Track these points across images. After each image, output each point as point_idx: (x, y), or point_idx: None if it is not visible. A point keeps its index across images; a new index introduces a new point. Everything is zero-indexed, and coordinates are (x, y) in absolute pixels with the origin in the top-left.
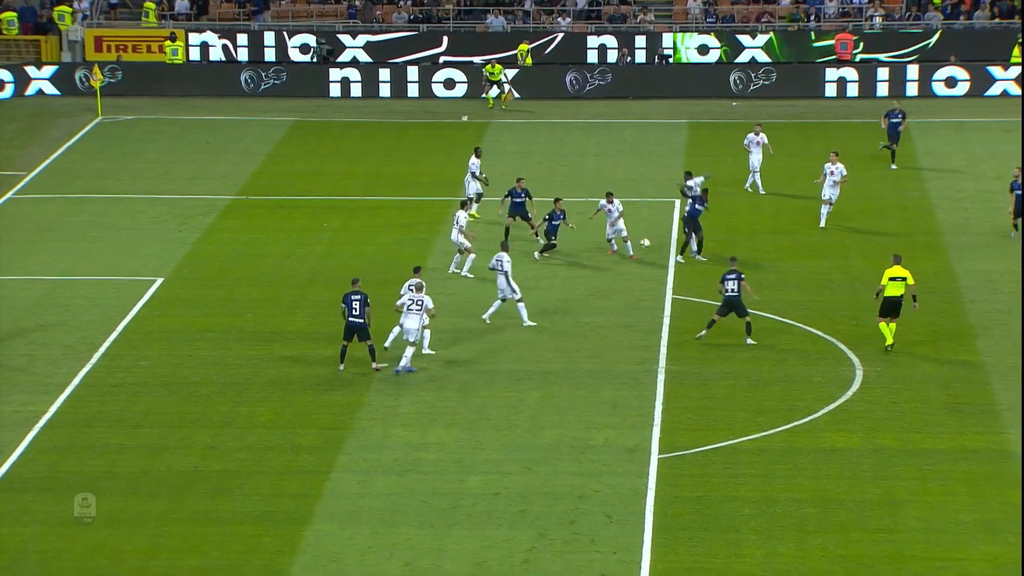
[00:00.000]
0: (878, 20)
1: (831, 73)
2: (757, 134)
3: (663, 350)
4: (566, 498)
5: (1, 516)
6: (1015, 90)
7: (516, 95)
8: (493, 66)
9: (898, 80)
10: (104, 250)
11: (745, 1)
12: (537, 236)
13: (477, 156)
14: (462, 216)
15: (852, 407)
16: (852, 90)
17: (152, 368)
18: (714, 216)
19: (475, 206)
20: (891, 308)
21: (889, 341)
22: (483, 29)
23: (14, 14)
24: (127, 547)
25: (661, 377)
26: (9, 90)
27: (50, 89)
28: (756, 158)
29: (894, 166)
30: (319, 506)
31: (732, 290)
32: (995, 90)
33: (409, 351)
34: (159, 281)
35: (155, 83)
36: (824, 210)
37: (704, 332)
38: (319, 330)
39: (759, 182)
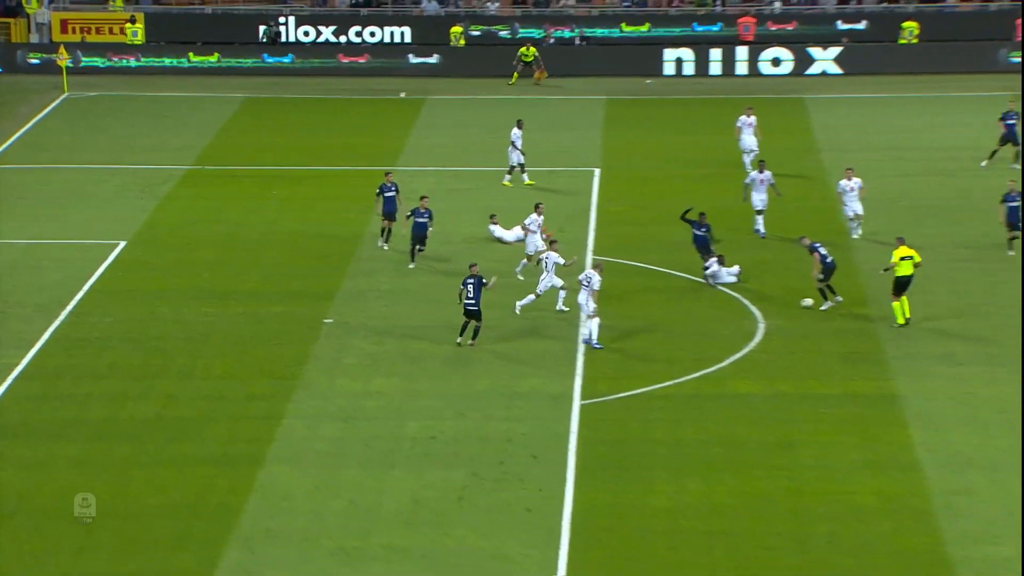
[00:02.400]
0: (778, 4)
1: (740, 52)
2: (748, 116)
3: None
4: (496, 441)
5: None
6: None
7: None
8: (528, 48)
9: (803, 60)
10: (71, 216)
11: None
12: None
13: (519, 128)
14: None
15: (755, 357)
16: (760, 68)
17: (116, 324)
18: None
19: (507, 176)
20: (902, 287)
21: (901, 321)
22: (419, 13)
23: None
24: (94, 488)
25: (583, 331)
26: None
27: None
28: (749, 140)
29: (1016, 165)
30: (270, 450)
31: (830, 256)
32: (888, 68)
33: (588, 324)
34: (122, 244)
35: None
36: (854, 225)
37: (827, 302)
38: (269, 289)
39: (748, 163)
